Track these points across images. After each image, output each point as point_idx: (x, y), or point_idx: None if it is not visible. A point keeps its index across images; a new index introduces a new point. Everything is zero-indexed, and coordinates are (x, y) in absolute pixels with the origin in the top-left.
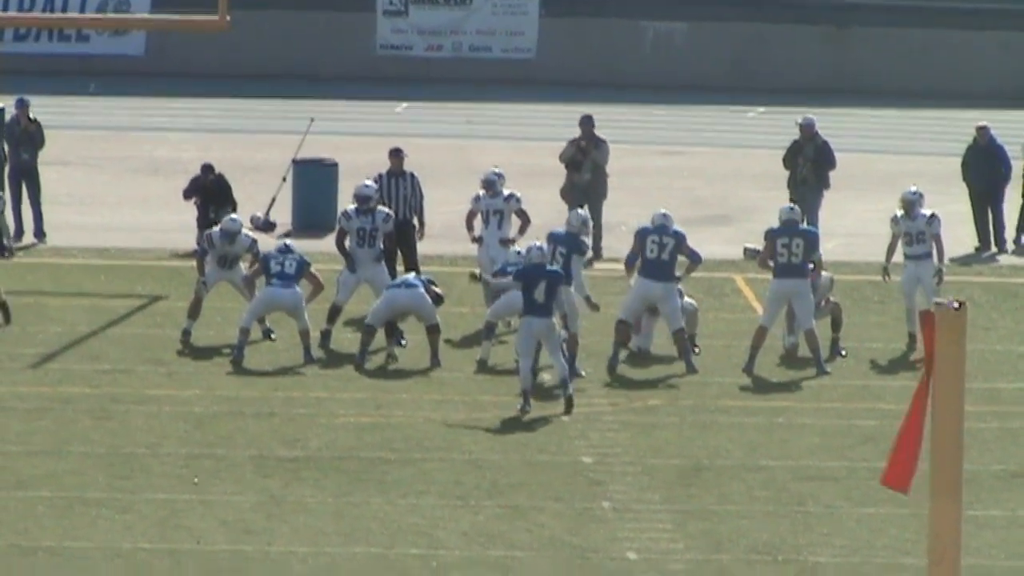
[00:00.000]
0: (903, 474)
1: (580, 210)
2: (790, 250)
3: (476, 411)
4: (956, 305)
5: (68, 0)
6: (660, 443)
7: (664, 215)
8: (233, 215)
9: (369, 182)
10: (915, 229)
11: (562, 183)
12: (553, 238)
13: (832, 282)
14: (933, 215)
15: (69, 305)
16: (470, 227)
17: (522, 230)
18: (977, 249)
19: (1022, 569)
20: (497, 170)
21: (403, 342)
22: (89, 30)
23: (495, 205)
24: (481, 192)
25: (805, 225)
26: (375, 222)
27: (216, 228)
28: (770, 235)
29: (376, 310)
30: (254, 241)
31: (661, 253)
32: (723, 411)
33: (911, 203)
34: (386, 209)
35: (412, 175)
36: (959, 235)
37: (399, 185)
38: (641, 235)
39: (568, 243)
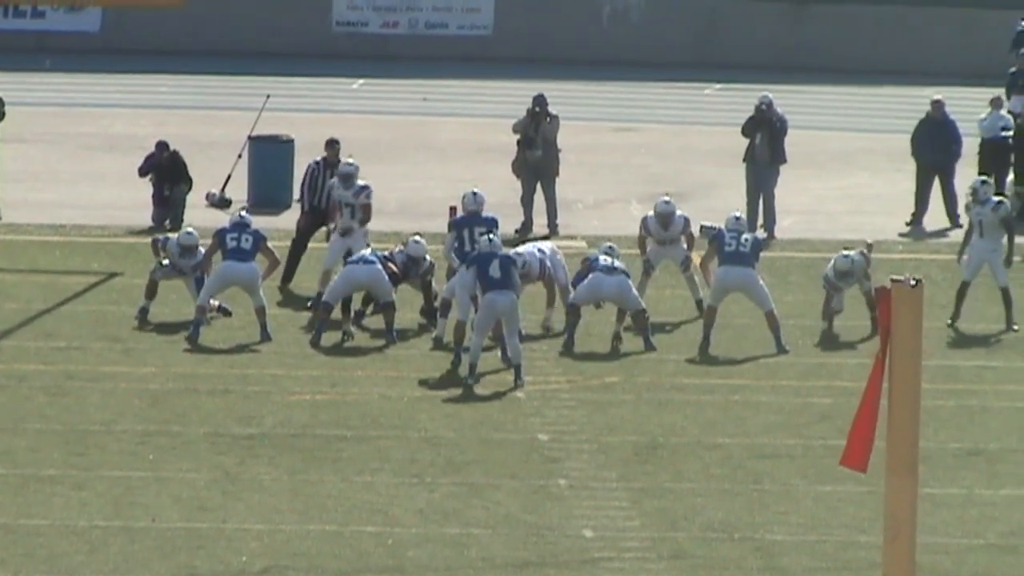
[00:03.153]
0: (861, 453)
1: (474, 193)
2: (738, 241)
3: (431, 389)
4: (913, 282)
5: None
6: (616, 421)
7: (737, 218)
8: (190, 229)
9: (351, 160)
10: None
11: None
12: (460, 223)
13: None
14: (1000, 202)
15: (24, 282)
16: (333, 218)
17: (362, 223)
18: (910, 220)
19: (978, 547)
20: (352, 161)
21: (363, 322)
22: (45, 7)
23: (346, 198)
24: (336, 183)
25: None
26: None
27: (172, 236)
28: (718, 237)
29: (333, 286)
30: (206, 255)
31: (739, 246)
32: (679, 389)
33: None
34: (363, 182)
35: (338, 163)
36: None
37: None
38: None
39: (486, 223)
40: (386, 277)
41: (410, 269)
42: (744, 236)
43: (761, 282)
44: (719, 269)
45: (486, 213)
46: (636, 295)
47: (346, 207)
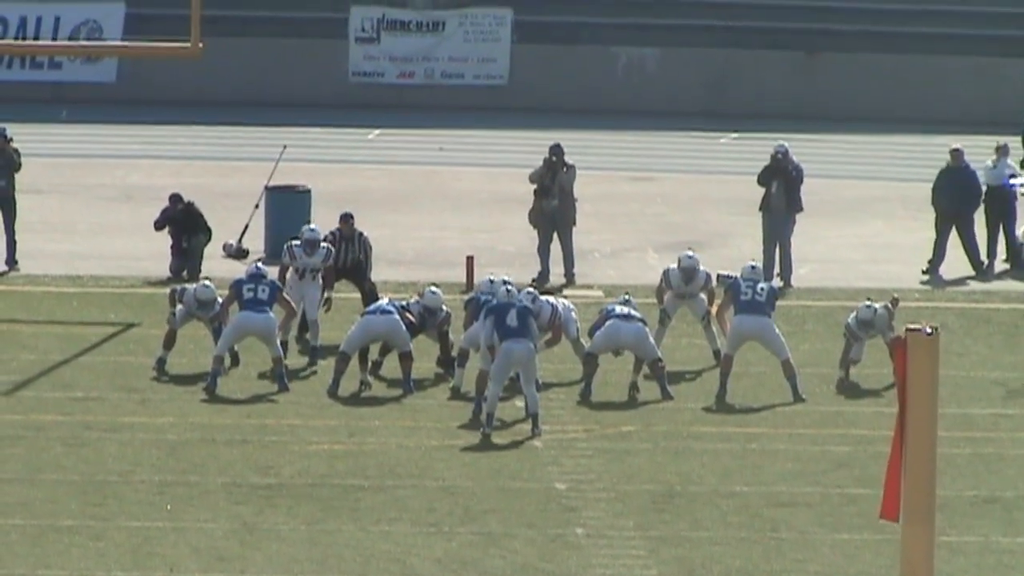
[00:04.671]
0: (895, 505)
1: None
2: (754, 290)
3: (449, 438)
4: (929, 331)
5: (40, 27)
6: (633, 469)
7: (753, 267)
8: (207, 282)
9: (314, 226)
10: None
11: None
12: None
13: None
14: None
15: (41, 332)
16: (282, 279)
17: (328, 287)
18: (927, 268)
19: None
20: (314, 227)
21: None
22: (61, 57)
23: (312, 264)
24: (296, 246)
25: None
26: (320, 260)
27: (189, 287)
28: (733, 286)
29: (351, 337)
30: (223, 305)
31: (755, 295)
32: (696, 437)
33: None
34: (327, 245)
35: (361, 235)
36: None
37: (349, 250)
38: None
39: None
40: (404, 327)
41: (427, 320)
42: (760, 285)
43: (777, 331)
44: (735, 318)
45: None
46: (653, 344)
47: (311, 272)
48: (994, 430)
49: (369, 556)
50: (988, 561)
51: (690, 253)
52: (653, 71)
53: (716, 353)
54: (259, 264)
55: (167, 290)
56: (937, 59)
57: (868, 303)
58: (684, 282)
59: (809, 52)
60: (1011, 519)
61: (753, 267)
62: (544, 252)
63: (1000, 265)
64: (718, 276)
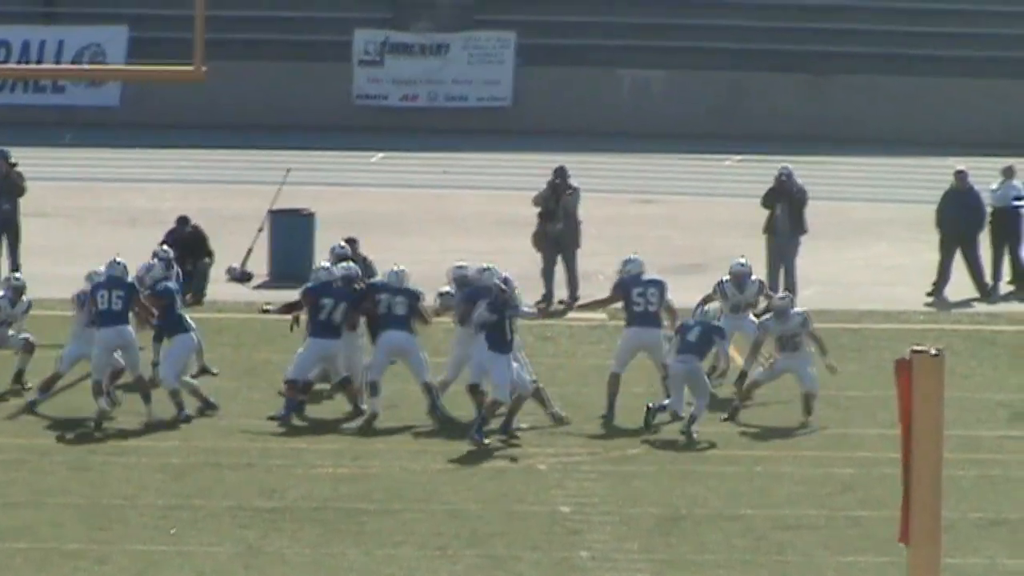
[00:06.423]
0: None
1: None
2: (646, 299)
3: (453, 462)
4: (934, 352)
5: (44, 51)
6: (638, 492)
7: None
8: (17, 273)
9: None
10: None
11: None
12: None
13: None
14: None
15: (47, 356)
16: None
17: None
18: (932, 290)
19: None
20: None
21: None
22: (65, 81)
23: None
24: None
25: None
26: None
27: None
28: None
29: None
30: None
31: (648, 306)
32: (702, 460)
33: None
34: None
35: (365, 260)
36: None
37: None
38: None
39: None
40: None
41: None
42: (651, 291)
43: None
44: (627, 330)
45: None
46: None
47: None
48: (1000, 452)
49: None
50: None
51: (741, 260)
52: (658, 93)
53: (742, 374)
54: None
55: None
56: (944, 81)
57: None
58: (738, 289)
59: (815, 74)
60: (1017, 541)
61: (706, 310)
62: (548, 275)
63: (1005, 287)
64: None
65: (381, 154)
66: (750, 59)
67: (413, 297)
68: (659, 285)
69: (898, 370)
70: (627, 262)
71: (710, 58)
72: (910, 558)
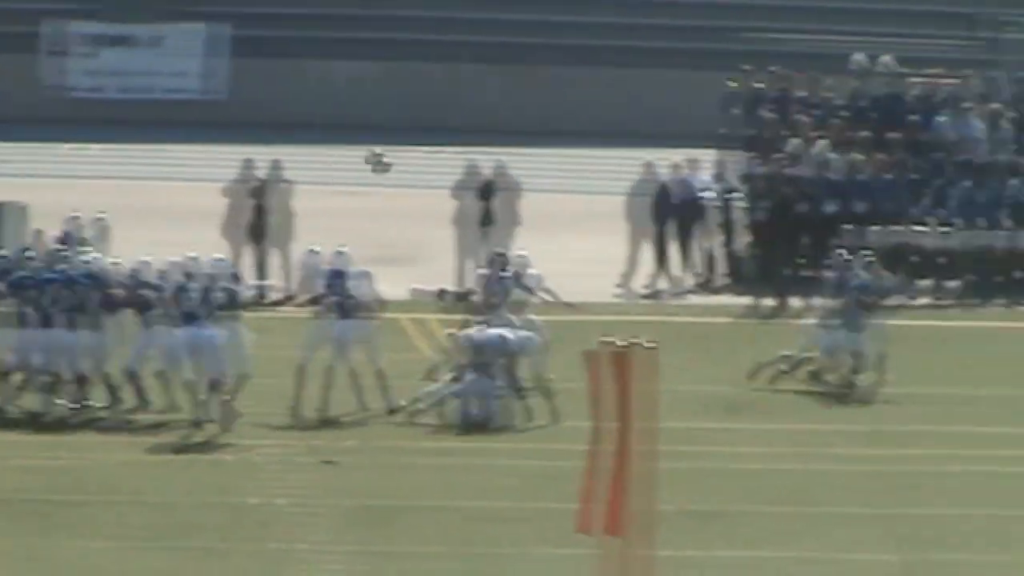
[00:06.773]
0: (592, 517)
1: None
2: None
3: (168, 453)
4: (650, 345)
5: None
6: (355, 484)
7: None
8: None
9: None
10: None
11: (225, 219)
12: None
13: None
14: None
15: None
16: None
17: None
18: (620, 281)
19: None
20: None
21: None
22: None
23: None
24: None
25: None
26: None
27: None
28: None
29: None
30: None
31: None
32: (419, 452)
33: None
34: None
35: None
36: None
37: None
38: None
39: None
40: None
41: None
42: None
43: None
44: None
45: None
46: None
47: None
48: (712, 444)
49: (80, 572)
50: (710, 575)
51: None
52: (371, 86)
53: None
54: None
55: None
56: (638, 72)
57: None
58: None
59: (524, 64)
60: (732, 534)
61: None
62: (261, 267)
63: (691, 279)
64: (413, 290)
65: (68, 145)
66: (451, 51)
67: None
68: (360, 276)
69: (587, 361)
70: (310, 253)
71: (417, 50)
72: (623, 550)
